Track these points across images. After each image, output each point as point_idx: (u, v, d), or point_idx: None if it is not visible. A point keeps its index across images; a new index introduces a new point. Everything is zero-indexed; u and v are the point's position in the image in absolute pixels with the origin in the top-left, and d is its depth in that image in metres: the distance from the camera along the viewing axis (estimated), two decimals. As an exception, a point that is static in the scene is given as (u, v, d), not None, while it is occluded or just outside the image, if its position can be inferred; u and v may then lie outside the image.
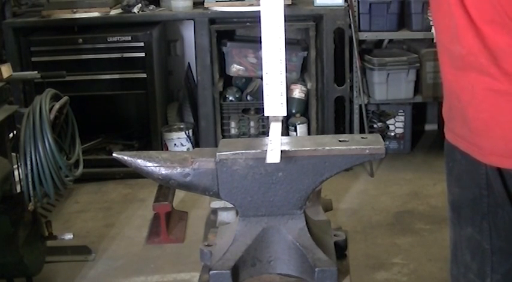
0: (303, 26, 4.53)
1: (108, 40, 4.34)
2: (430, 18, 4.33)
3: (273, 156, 1.52)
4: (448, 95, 1.52)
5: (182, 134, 4.65)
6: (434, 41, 4.42)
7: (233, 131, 4.65)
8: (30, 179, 2.86)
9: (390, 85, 4.50)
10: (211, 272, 1.55)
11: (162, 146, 4.61)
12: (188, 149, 4.59)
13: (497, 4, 1.32)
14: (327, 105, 4.51)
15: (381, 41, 4.91)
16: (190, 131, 4.68)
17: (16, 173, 3.11)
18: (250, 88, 4.70)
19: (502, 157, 1.40)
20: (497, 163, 1.43)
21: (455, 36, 1.40)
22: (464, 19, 1.37)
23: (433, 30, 4.34)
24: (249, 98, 4.69)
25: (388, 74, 4.46)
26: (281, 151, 1.52)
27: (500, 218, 1.48)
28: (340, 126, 4.67)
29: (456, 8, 1.38)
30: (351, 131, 4.60)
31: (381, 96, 4.53)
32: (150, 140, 4.58)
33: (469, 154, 1.46)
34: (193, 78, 4.78)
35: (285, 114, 1.54)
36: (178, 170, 1.59)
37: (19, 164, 2.92)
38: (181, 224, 3.77)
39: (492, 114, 1.39)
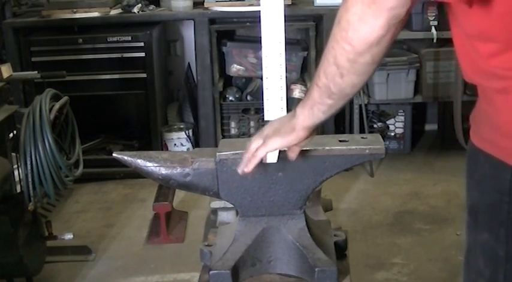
0: (303, 26, 4.52)
1: (108, 40, 4.34)
2: (430, 18, 4.33)
3: (270, 156, 1.53)
4: (479, 98, 1.48)
5: (182, 134, 4.65)
6: (434, 41, 4.42)
7: (233, 131, 4.65)
8: (30, 179, 2.86)
9: (390, 85, 4.49)
10: (211, 272, 1.55)
11: (162, 146, 4.61)
12: (188, 149, 4.59)
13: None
14: (327, 105, 4.50)
15: (381, 41, 4.89)
16: (190, 131, 4.68)
17: (16, 173, 3.11)
18: (250, 88, 4.70)
19: None
20: None
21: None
22: None
23: (433, 30, 4.35)
24: (249, 98, 4.68)
25: (388, 74, 4.46)
26: (280, 151, 1.52)
27: None
28: (340, 126, 4.66)
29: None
30: (351, 131, 4.59)
31: (381, 96, 4.53)
32: (150, 140, 4.57)
33: (496, 157, 1.43)
34: (193, 78, 4.78)
35: None
36: (178, 170, 1.59)
37: (19, 164, 2.92)
38: (181, 224, 3.76)
39: None
